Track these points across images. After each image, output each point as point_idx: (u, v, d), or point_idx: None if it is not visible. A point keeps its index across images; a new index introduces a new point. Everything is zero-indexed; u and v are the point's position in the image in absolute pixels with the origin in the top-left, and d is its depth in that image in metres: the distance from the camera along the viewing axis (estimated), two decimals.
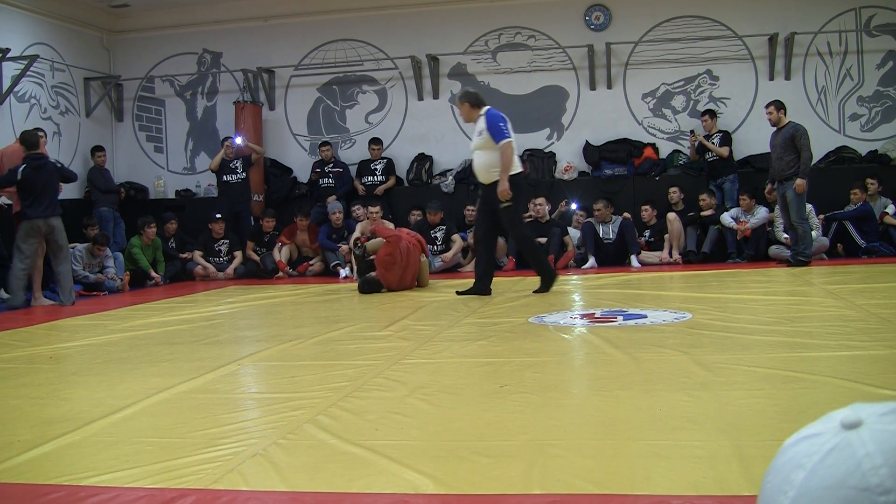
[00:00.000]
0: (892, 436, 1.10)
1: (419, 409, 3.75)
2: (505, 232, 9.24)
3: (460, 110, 9.05)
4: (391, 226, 11.61)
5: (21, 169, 9.60)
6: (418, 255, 9.88)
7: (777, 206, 11.58)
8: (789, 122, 10.76)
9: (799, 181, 10.42)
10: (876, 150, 12.78)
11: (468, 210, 12.71)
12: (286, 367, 5.06)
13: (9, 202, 10.48)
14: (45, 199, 9.71)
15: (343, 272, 12.09)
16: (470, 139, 13.77)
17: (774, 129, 10.83)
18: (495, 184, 8.49)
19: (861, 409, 1.16)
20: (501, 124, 8.55)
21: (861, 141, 12.99)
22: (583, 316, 6.82)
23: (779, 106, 10.77)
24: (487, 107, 8.81)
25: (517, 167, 8.67)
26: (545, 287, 8.71)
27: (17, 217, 10.03)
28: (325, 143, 13.90)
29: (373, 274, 9.77)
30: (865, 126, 13.08)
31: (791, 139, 10.55)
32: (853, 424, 1.14)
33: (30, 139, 9.94)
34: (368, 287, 9.67)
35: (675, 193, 12.45)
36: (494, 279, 9.75)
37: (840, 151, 12.88)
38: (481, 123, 8.63)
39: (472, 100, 8.90)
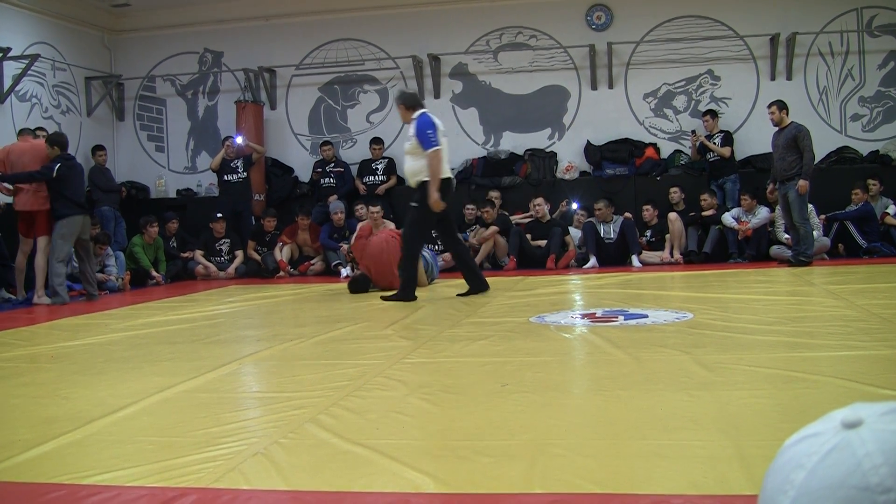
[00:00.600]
0: (893, 435, 1.10)
1: (420, 409, 3.75)
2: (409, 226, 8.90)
3: (398, 111, 8.98)
4: (392, 226, 11.61)
5: (57, 167, 9.71)
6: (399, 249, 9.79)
7: (778, 207, 11.58)
8: (792, 122, 10.75)
9: (802, 182, 10.41)
10: (877, 151, 12.79)
11: (467, 209, 12.72)
12: (287, 366, 5.06)
13: (8, 201, 10.50)
14: (79, 198, 9.99)
15: (344, 272, 12.09)
16: (473, 140, 13.98)
17: (776, 129, 10.83)
18: (422, 186, 8.46)
19: (861, 409, 1.16)
20: (430, 132, 8.41)
21: (862, 141, 13.00)
22: (584, 315, 6.81)
23: (781, 106, 10.76)
24: (422, 110, 8.67)
25: (447, 173, 8.60)
26: (398, 297, 8.51)
27: (22, 215, 10.01)
28: (326, 143, 13.91)
29: (359, 271, 9.78)
30: (867, 126, 13.09)
31: (793, 140, 10.54)
32: (853, 424, 1.14)
33: (62, 140, 10.19)
34: (356, 286, 9.67)
35: (675, 193, 12.45)
36: (496, 278, 9.79)
37: (841, 152, 12.88)
38: (413, 128, 8.57)
39: (406, 101, 8.81)
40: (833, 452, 1.12)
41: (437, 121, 8.64)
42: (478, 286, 8.73)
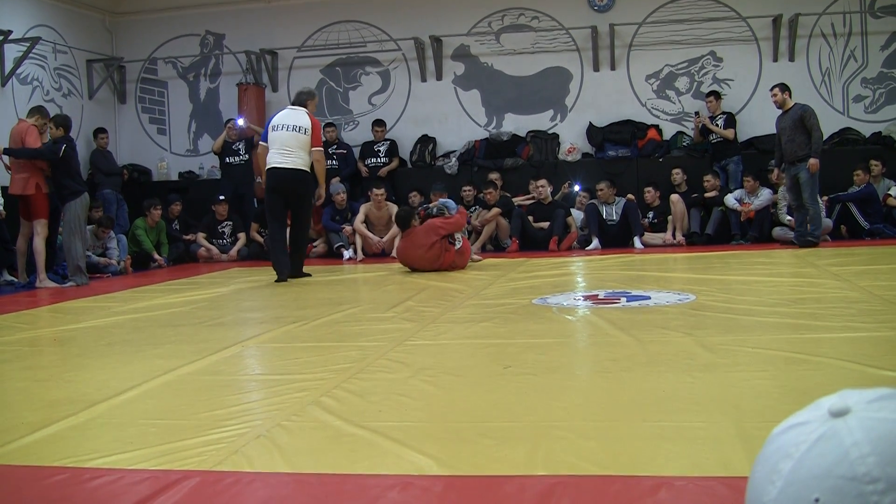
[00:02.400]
0: (880, 423, 1.10)
1: (423, 391, 3.76)
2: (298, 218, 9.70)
3: None
4: (395, 208, 11.63)
5: (63, 148, 9.85)
6: (432, 250, 9.65)
7: (781, 188, 11.59)
8: (795, 103, 10.73)
9: (812, 160, 10.39)
10: (880, 132, 12.77)
11: (465, 191, 12.73)
12: (290, 348, 5.07)
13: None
14: (81, 177, 10.31)
15: (347, 253, 12.10)
16: (475, 122, 13.96)
17: (780, 111, 10.79)
18: None
19: (849, 397, 1.15)
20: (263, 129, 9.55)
21: (865, 122, 12.96)
22: (586, 297, 6.82)
23: (783, 88, 10.74)
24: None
25: (272, 164, 9.28)
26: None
27: (22, 199, 10.00)
28: (330, 124, 13.88)
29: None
30: (869, 108, 13.05)
31: (800, 120, 10.50)
32: (840, 412, 1.13)
33: (68, 123, 10.33)
34: (403, 215, 9.96)
35: (678, 175, 12.44)
36: (499, 259, 9.87)
37: (844, 133, 12.85)
38: None
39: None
40: (820, 442, 1.12)
41: (276, 117, 9.49)
42: (286, 273, 9.27)
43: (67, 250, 9.91)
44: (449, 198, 12.01)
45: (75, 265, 9.84)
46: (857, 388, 1.17)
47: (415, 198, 12.99)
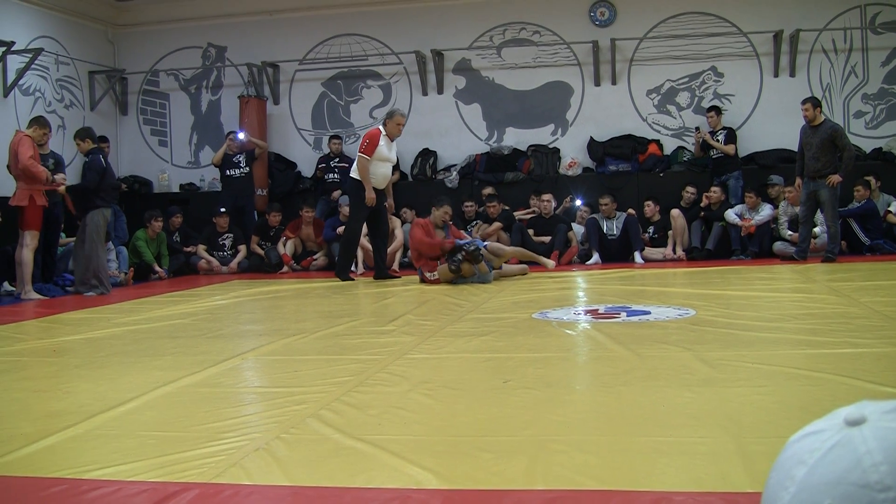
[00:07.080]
0: (894, 433, 1.10)
1: (422, 405, 3.75)
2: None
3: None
4: (398, 222, 11.62)
5: (102, 160, 10.22)
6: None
7: (782, 204, 11.60)
8: (825, 119, 10.71)
9: (837, 176, 10.38)
10: (880, 148, 12.78)
11: (466, 207, 12.70)
12: (289, 361, 5.06)
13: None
14: (110, 194, 10.66)
15: None
16: (476, 136, 13.95)
17: (807, 125, 10.71)
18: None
19: (865, 407, 1.16)
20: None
21: (865, 138, 12.98)
22: (586, 312, 6.81)
23: (815, 103, 10.65)
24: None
25: None
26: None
27: (27, 212, 10.00)
28: (335, 137, 13.92)
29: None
30: (870, 123, 13.08)
31: (830, 139, 10.45)
32: (856, 421, 1.14)
33: (92, 132, 10.73)
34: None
35: (692, 194, 12.40)
36: (499, 273, 9.87)
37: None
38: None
39: None
40: (834, 449, 1.12)
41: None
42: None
43: (88, 259, 9.94)
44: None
45: (93, 274, 9.89)
46: (875, 400, 1.17)
47: (406, 214, 12.98)
